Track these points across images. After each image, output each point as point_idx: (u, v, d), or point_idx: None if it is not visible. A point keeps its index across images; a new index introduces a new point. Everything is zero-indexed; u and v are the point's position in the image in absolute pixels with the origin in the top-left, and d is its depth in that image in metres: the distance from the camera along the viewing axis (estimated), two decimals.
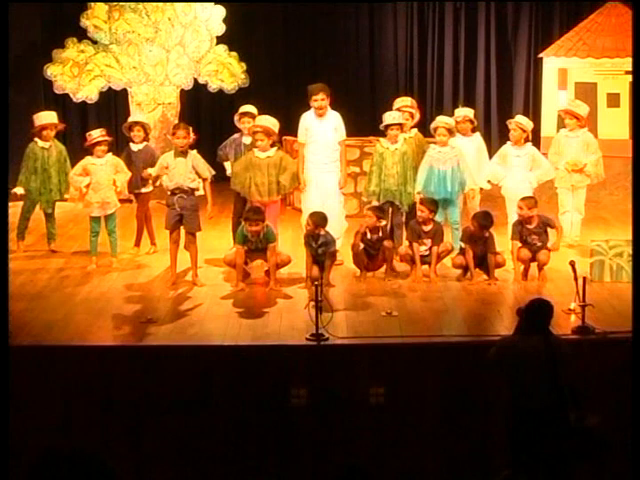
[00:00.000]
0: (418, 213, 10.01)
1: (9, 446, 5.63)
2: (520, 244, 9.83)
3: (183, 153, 9.78)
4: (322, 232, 9.65)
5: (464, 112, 11.24)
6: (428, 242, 9.92)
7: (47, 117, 11.28)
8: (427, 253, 9.97)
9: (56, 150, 11.22)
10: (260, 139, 10.22)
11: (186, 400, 7.94)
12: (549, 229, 9.93)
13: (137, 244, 11.11)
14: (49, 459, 2.87)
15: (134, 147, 11.10)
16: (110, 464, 3.11)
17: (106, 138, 10.61)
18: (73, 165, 10.98)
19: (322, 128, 10.46)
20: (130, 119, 11.64)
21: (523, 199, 9.96)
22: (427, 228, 9.94)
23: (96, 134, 10.56)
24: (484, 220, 9.76)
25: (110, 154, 10.59)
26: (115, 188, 10.50)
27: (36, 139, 11.07)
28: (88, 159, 10.50)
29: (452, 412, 8.04)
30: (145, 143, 11.18)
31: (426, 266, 9.95)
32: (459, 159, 10.52)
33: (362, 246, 9.88)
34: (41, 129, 11.09)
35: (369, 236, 9.90)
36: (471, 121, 11.06)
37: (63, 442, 7.48)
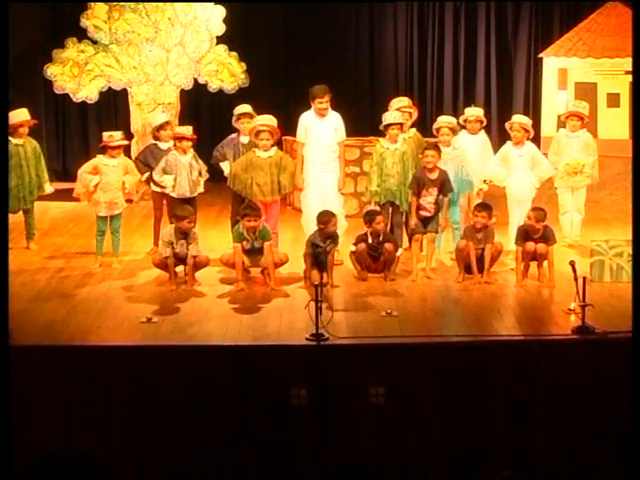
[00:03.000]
0: (427, 159, 10.01)
1: (9, 446, 5.63)
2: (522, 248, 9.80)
3: (184, 234, 9.74)
4: (333, 228, 9.69)
5: (476, 112, 11.30)
6: (434, 191, 9.93)
7: (22, 114, 11.24)
8: (431, 213, 9.96)
9: (30, 146, 11.24)
10: (266, 138, 10.25)
11: (186, 400, 7.94)
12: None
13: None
14: (49, 460, 2.87)
15: (162, 145, 10.97)
16: (110, 464, 3.11)
17: (126, 142, 10.69)
18: (67, 163, 10.95)
19: (322, 128, 10.48)
20: (160, 120, 11.39)
21: (534, 209, 9.89)
22: (433, 176, 9.95)
23: (118, 136, 10.53)
24: (478, 206, 9.80)
25: (122, 155, 10.60)
26: (124, 190, 10.51)
27: (10, 137, 10.93)
28: (100, 158, 10.47)
29: (452, 412, 8.04)
30: (172, 142, 11.04)
31: (423, 264, 9.99)
32: (462, 160, 10.54)
33: (364, 247, 9.87)
34: (18, 126, 11.09)
35: (370, 240, 9.90)
36: (481, 121, 11.14)
37: (63, 442, 7.50)
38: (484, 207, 9.89)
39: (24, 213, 11.28)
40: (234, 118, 11.03)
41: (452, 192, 10.31)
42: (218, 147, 11.08)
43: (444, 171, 10.12)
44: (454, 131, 10.65)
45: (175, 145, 10.63)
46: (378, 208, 10.33)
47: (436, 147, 10.18)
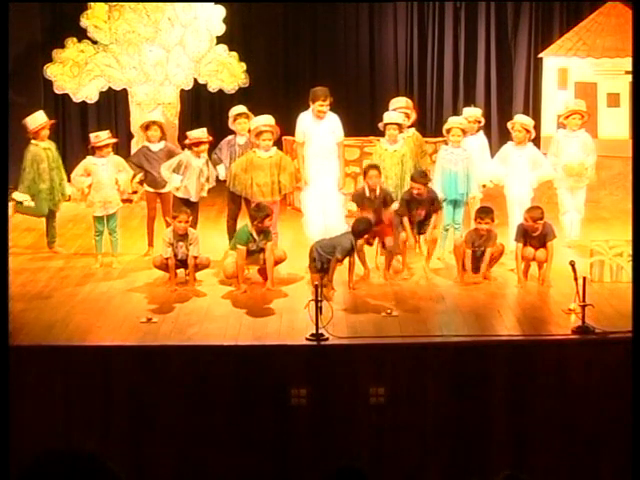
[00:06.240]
0: (414, 191, 9.97)
1: (9, 446, 5.63)
2: (522, 246, 9.78)
3: (182, 236, 9.70)
4: None
5: (474, 112, 11.35)
6: (423, 212, 9.97)
7: (41, 117, 11.19)
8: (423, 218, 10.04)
9: (53, 148, 11.22)
10: (268, 139, 10.25)
11: (186, 400, 7.94)
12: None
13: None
14: (48, 459, 2.87)
15: (153, 147, 10.94)
16: (111, 464, 3.11)
17: (113, 140, 10.64)
18: (67, 163, 10.92)
19: (320, 130, 10.50)
20: (144, 120, 11.31)
21: (529, 211, 9.80)
22: (421, 198, 9.96)
23: (104, 136, 10.54)
24: (481, 212, 9.80)
25: (112, 153, 10.60)
26: (118, 187, 10.50)
27: (36, 141, 10.94)
28: (89, 159, 10.49)
29: (452, 412, 8.04)
30: (164, 142, 11.06)
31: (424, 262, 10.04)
32: (469, 162, 10.53)
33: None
34: (40, 129, 11.05)
35: (367, 193, 9.93)
36: (479, 121, 11.16)
37: (63, 442, 7.50)
38: (487, 212, 9.82)
39: (48, 218, 11.09)
40: (230, 120, 11.03)
41: (463, 194, 10.40)
42: (216, 150, 11.04)
43: (434, 191, 10.14)
44: (465, 132, 10.65)
45: (191, 149, 10.56)
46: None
47: (424, 176, 10.10)
